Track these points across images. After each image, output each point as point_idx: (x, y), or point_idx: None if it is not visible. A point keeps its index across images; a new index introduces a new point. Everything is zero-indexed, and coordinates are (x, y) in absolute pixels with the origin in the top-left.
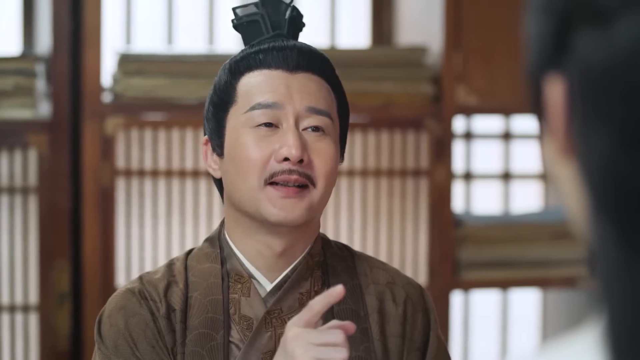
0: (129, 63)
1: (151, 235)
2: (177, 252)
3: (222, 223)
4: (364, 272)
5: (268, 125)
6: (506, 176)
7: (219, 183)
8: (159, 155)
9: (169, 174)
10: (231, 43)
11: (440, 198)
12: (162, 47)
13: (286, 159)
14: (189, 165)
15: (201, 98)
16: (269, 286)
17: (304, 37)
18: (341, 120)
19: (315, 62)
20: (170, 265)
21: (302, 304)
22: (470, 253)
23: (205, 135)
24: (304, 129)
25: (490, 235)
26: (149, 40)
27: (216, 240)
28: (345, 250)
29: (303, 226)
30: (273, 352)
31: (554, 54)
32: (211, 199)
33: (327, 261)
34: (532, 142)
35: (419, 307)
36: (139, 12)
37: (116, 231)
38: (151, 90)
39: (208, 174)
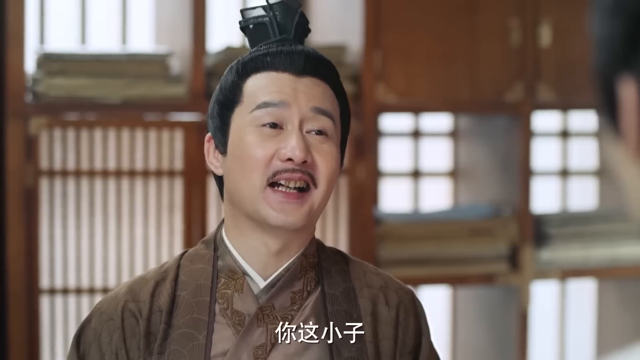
0: (51, 63)
1: (75, 236)
2: (100, 252)
3: (221, 224)
4: (357, 276)
5: (273, 126)
6: (415, 174)
7: (219, 180)
8: (82, 155)
9: (91, 174)
10: (145, 42)
11: (360, 196)
12: (76, 47)
13: (290, 159)
14: (111, 165)
15: (123, 98)
16: (262, 283)
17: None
18: (342, 127)
19: (322, 68)
20: (162, 265)
21: (293, 302)
22: (388, 251)
23: (208, 132)
24: (308, 132)
25: (408, 232)
26: (63, 40)
27: (212, 242)
28: (339, 255)
29: (301, 227)
30: (264, 347)
31: (626, 56)
32: (133, 198)
33: (321, 263)
34: (441, 140)
35: (410, 311)
36: (52, 11)
37: (40, 232)
38: (73, 90)
39: (130, 174)
